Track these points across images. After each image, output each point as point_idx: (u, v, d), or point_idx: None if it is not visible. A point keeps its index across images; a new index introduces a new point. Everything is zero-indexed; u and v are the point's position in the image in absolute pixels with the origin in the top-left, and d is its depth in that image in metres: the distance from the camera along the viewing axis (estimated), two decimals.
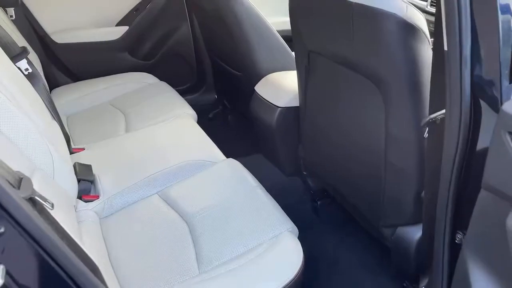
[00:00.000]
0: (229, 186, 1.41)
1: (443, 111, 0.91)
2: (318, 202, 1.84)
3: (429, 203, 1.09)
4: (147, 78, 2.25)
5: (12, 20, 1.92)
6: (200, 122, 2.00)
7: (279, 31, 1.87)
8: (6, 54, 1.44)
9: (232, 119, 2.54)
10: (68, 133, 1.88)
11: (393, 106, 1.15)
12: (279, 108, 1.68)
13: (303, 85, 1.56)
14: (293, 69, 1.66)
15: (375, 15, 1.04)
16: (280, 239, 1.20)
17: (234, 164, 1.52)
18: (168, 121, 1.83)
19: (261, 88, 1.81)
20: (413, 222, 1.29)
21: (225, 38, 1.93)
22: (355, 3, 1.08)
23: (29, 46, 1.96)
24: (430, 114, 0.98)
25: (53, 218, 0.78)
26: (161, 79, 2.29)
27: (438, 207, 1.00)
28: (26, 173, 1.10)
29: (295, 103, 1.65)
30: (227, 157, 1.59)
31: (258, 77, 1.85)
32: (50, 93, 2.14)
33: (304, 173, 1.77)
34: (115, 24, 2.29)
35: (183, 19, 2.39)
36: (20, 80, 1.37)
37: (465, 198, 0.94)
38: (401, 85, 1.10)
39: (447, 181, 0.95)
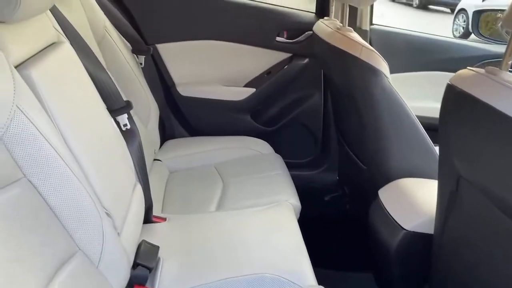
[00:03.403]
0: None
1: None
2: None
3: None
4: (262, 147, 2.02)
5: (141, 67, 1.90)
6: (315, 202, 1.70)
7: (422, 117, 1.46)
8: (107, 105, 1.33)
9: (350, 209, 2.13)
10: (163, 194, 1.74)
11: None
12: (405, 231, 1.26)
13: (444, 212, 1.11)
14: (435, 178, 1.24)
15: None
16: None
17: None
18: (265, 208, 1.53)
19: (386, 195, 1.40)
20: None
21: (354, 121, 1.59)
22: None
23: (151, 94, 1.90)
24: None
25: None
26: (278, 148, 2.04)
27: None
28: (58, 260, 0.92)
29: (429, 229, 1.22)
30: (328, 263, 1.28)
31: (386, 178, 1.45)
32: (163, 144, 2.07)
33: None
34: (244, 85, 2.14)
35: (317, 87, 2.13)
36: (107, 138, 1.23)
37: None
38: None
39: None
